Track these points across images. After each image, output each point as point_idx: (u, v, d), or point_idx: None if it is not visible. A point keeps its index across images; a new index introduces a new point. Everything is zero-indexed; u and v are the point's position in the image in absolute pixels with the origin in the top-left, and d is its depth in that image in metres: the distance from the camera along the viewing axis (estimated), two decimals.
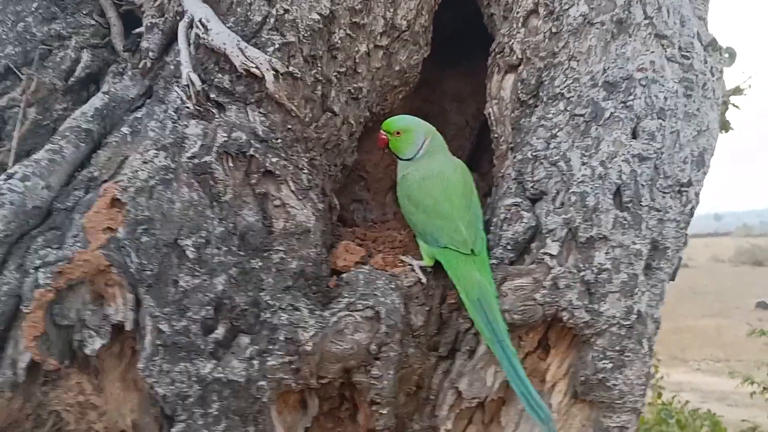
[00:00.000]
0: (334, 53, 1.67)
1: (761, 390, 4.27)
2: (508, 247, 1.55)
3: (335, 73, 1.67)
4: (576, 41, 1.73)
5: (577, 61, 1.72)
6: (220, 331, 1.38)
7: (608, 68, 1.68)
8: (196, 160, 1.46)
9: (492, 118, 1.89)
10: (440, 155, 1.62)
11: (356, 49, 1.71)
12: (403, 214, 1.63)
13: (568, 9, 1.74)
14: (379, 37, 1.75)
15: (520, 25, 1.81)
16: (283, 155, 1.54)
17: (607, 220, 1.48)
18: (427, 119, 1.71)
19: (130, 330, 1.37)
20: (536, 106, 1.76)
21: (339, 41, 1.66)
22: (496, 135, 1.87)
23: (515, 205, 1.60)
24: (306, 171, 1.60)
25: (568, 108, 1.66)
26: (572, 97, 1.68)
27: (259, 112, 1.54)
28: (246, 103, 1.54)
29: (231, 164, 1.49)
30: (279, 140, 1.55)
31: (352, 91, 1.72)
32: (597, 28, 1.71)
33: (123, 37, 1.84)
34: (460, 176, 1.59)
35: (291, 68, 1.56)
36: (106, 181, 1.47)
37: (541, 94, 1.75)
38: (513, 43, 1.81)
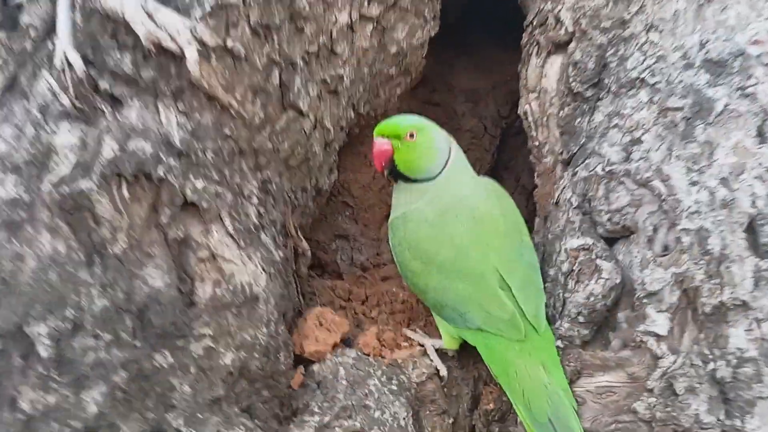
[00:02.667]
0: (300, 24, 1.10)
1: None
2: (579, 319, 0.97)
3: (302, 54, 1.10)
4: (655, 4, 1.16)
5: (659, 32, 1.15)
6: None
7: (707, 41, 1.11)
8: (65, 189, 0.88)
9: (530, 119, 1.32)
10: (465, 172, 1.05)
11: (333, 19, 1.14)
12: (401, 273, 1.04)
13: None
14: (366, 4, 1.19)
15: None
16: (215, 177, 0.97)
17: (743, 275, 0.90)
18: None
19: None
20: (599, 99, 1.19)
21: (307, 6, 1.09)
22: (536, 143, 1.30)
23: (584, 249, 1.02)
24: (254, 201, 1.02)
25: (655, 99, 1.09)
26: (659, 83, 1.11)
27: (178, 110, 0.96)
28: (156, 97, 0.96)
29: (126, 194, 0.91)
30: (209, 154, 0.97)
31: (328, 80, 1.15)
32: None
33: None
34: (497, 205, 1.02)
35: (229, 43, 0.99)
36: None
37: (606, 81, 1.18)
38: (560, 11, 1.25)
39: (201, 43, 0.95)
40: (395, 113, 1.43)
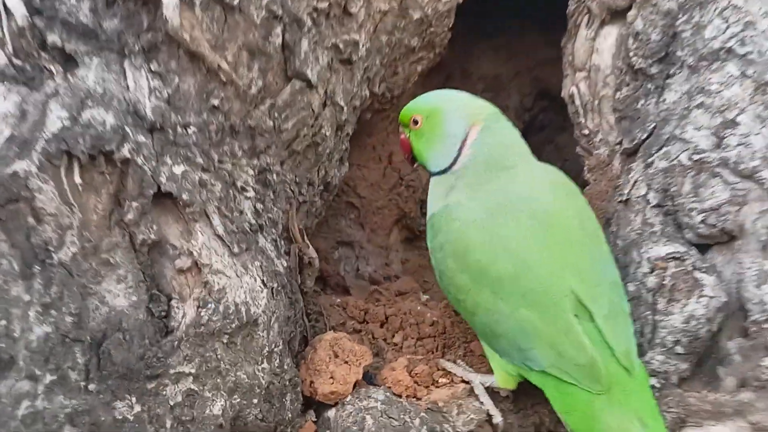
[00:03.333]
0: None
1: None
2: (677, 350, 0.75)
3: (309, 11, 0.87)
4: None
5: None
6: None
7: None
8: None
9: (577, 102, 1.11)
10: (519, 163, 0.81)
11: None
12: (441, 286, 0.80)
13: None
14: None
15: None
16: (199, 161, 0.73)
17: None
18: None
19: None
20: (669, 76, 0.98)
21: None
22: (586, 131, 1.09)
23: (676, 258, 0.80)
24: (250, 195, 0.79)
25: (749, 73, 0.88)
26: (750, 53, 0.90)
27: (150, 72, 0.73)
28: (122, 54, 0.73)
29: (78, 180, 0.67)
30: (191, 130, 0.74)
31: (341, 46, 0.92)
32: None
33: None
34: (569, 204, 0.79)
35: None
36: None
37: (678, 53, 0.97)
38: None
39: None
40: (413, 97, 1.23)
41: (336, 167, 0.98)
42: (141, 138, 0.69)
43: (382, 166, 1.30)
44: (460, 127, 0.81)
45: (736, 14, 0.94)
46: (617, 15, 1.06)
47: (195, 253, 0.69)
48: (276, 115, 0.83)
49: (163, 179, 0.69)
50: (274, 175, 0.84)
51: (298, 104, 0.85)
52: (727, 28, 0.94)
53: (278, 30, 0.82)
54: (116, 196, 0.68)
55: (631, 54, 1.02)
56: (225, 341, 0.68)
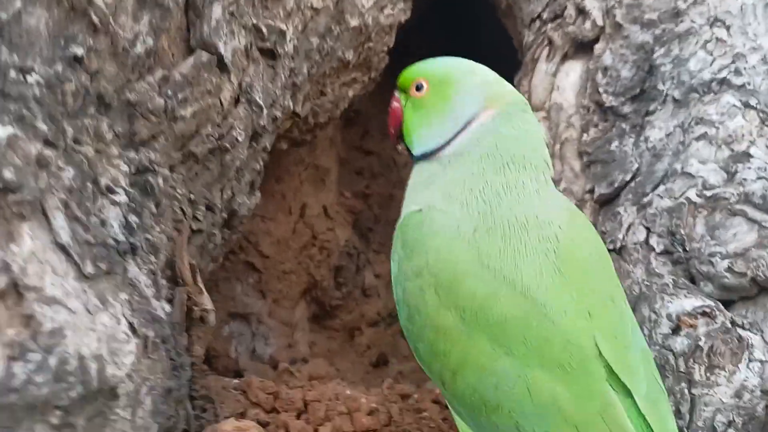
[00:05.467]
0: None
1: None
2: None
3: None
4: None
5: (726, 27, 0.84)
6: None
7: None
8: None
9: None
10: (531, 171, 0.58)
11: None
12: (409, 334, 0.54)
13: None
14: None
15: None
16: (42, 130, 0.45)
17: None
18: None
19: None
20: (650, 113, 0.84)
21: None
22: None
23: (707, 314, 0.60)
24: (121, 199, 0.51)
25: (752, 103, 0.75)
26: (748, 84, 0.78)
27: None
28: None
29: None
30: (33, 82, 0.46)
31: (264, 31, 0.69)
32: None
33: None
34: (585, 237, 0.56)
35: None
36: None
37: (660, 87, 0.84)
38: (583, 1, 0.91)
39: None
40: (339, 126, 1.02)
41: (245, 193, 0.72)
42: None
43: (292, 220, 1.05)
44: (472, 105, 0.58)
45: (721, 47, 0.83)
46: (582, 48, 0.92)
47: (15, 268, 0.40)
48: (169, 93, 0.57)
49: None
50: (160, 181, 0.57)
51: (203, 85, 0.60)
52: (714, 60, 0.82)
53: None
54: None
55: (600, 91, 0.88)
56: (56, 422, 0.38)
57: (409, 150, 0.62)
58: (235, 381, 0.72)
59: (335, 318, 1.15)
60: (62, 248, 0.43)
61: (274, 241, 1.03)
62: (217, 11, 0.62)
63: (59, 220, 0.44)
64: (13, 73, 0.45)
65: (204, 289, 0.61)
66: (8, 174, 0.42)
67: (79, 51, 0.50)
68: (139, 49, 0.54)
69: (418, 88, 0.61)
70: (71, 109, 0.49)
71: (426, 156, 0.59)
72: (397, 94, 0.64)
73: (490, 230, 0.51)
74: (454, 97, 0.59)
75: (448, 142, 0.58)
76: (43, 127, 0.46)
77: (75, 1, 0.50)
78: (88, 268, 0.44)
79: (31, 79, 0.46)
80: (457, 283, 0.50)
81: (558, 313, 0.49)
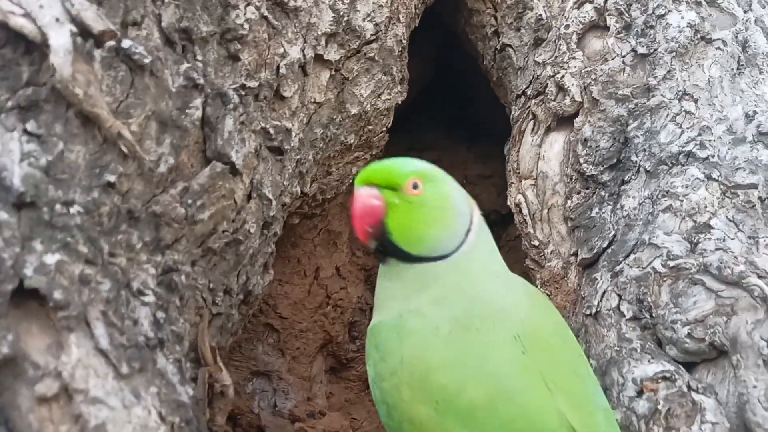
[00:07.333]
0: (233, 49, 0.75)
1: None
2: None
3: (236, 87, 0.74)
4: (683, 70, 0.94)
5: (695, 100, 0.92)
6: None
7: (754, 113, 0.89)
8: None
9: (525, 212, 1.02)
10: (492, 257, 0.67)
11: (280, 50, 0.81)
12: (391, 428, 0.62)
13: (664, 16, 0.97)
14: (324, 44, 0.88)
15: (573, 45, 1.01)
16: (81, 250, 0.55)
17: None
18: None
19: None
20: (625, 182, 0.92)
21: (245, 25, 0.76)
22: (535, 242, 0.99)
23: (667, 378, 0.67)
24: (149, 299, 0.61)
25: (714, 175, 0.82)
26: (712, 156, 0.85)
27: (26, 134, 0.56)
28: None
29: None
30: (75, 210, 0.56)
31: (272, 132, 0.79)
32: (718, 50, 0.94)
33: None
34: (548, 318, 0.64)
35: (126, 43, 0.62)
36: None
37: (633, 158, 0.91)
38: (563, 77, 1.00)
39: (80, 27, 0.58)
40: (346, 204, 1.11)
41: (259, 274, 0.82)
42: (3, 216, 0.52)
43: (307, 283, 1.14)
44: (465, 203, 0.65)
45: (689, 119, 0.90)
46: (564, 121, 1.01)
47: (65, 375, 0.50)
48: (189, 201, 0.67)
49: (28, 271, 0.51)
50: (183, 278, 0.67)
51: (218, 191, 0.70)
52: (682, 133, 0.90)
53: (198, 102, 0.68)
54: None
55: (581, 161, 0.96)
56: None
57: (381, 253, 0.64)
58: None
59: (351, 369, 1.23)
60: (102, 353, 0.53)
61: (291, 303, 1.12)
62: (229, 123, 0.72)
63: (99, 329, 0.54)
64: (58, 207, 0.55)
65: (223, 367, 0.70)
66: (57, 295, 0.51)
67: (112, 177, 0.60)
68: (163, 168, 0.64)
69: (416, 186, 0.62)
70: (106, 227, 0.59)
71: (428, 258, 0.62)
72: (371, 189, 0.63)
73: (465, 327, 0.59)
74: (452, 197, 0.64)
75: (462, 242, 0.63)
76: (84, 249, 0.56)
77: (107, 134, 0.60)
78: (124, 369, 0.53)
79: (73, 210, 0.56)
80: (427, 377, 0.57)
81: (522, 394, 0.57)
